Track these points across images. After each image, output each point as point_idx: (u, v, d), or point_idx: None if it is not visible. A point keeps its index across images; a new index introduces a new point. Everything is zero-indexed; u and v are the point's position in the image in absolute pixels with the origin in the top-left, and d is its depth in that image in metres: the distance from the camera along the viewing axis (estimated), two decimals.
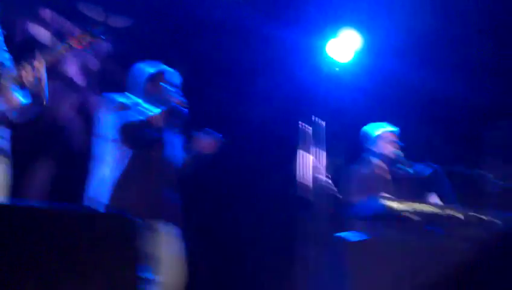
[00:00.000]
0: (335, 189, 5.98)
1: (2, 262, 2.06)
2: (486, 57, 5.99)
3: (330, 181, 6.00)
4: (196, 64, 5.36)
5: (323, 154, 6.03)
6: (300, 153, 6.07)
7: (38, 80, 3.12)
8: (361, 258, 3.02)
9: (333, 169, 6.04)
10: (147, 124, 3.51)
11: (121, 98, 3.66)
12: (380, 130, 4.79)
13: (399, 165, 4.67)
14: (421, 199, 4.44)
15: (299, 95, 5.95)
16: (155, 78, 3.76)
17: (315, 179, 6.01)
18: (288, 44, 5.70)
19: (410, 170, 4.65)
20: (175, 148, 3.76)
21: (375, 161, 4.74)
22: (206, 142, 3.73)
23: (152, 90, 3.73)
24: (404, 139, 4.76)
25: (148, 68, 3.82)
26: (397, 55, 6.00)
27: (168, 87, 3.71)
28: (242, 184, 5.82)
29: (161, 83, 3.72)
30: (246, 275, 5.80)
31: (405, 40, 5.90)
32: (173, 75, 3.82)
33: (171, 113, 3.58)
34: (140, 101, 3.72)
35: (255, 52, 5.68)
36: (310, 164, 6.10)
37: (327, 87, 5.99)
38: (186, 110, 3.62)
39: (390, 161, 4.69)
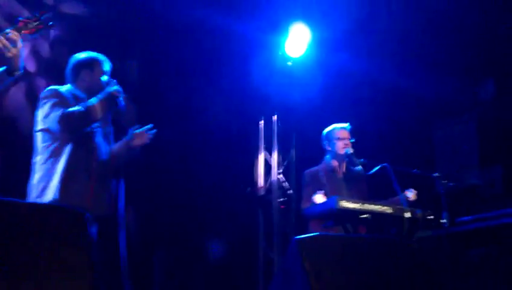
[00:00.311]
0: (288, 187, 6.03)
1: None
2: (440, 54, 6.08)
3: (283, 179, 6.04)
4: (150, 59, 5.28)
5: (277, 151, 6.05)
6: (257, 150, 6.07)
7: (15, 43, 3.03)
8: (313, 255, 3.02)
9: (286, 166, 6.07)
10: (84, 114, 3.43)
11: (58, 88, 3.59)
12: (332, 129, 4.82)
13: (350, 162, 4.71)
14: (372, 196, 4.51)
15: (253, 91, 5.94)
16: (89, 66, 3.71)
17: (269, 177, 6.04)
18: (243, 40, 5.66)
19: (360, 168, 4.70)
20: (109, 139, 3.73)
21: (330, 160, 4.77)
22: (139, 134, 3.73)
23: (88, 79, 3.69)
24: (355, 135, 4.78)
25: (83, 56, 3.75)
26: (349, 50, 6.05)
27: (104, 76, 3.68)
28: (195, 182, 5.76)
29: (96, 72, 3.69)
30: (206, 277, 5.74)
31: (357, 35, 5.95)
32: (108, 64, 3.77)
33: (107, 102, 3.52)
34: (76, 90, 3.66)
35: (209, 47, 5.62)
36: (263, 162, 6.11)
37: (281, 83, 5.99)
38: (121, 99, 3.56)
39: (342, 159, 4.73)
